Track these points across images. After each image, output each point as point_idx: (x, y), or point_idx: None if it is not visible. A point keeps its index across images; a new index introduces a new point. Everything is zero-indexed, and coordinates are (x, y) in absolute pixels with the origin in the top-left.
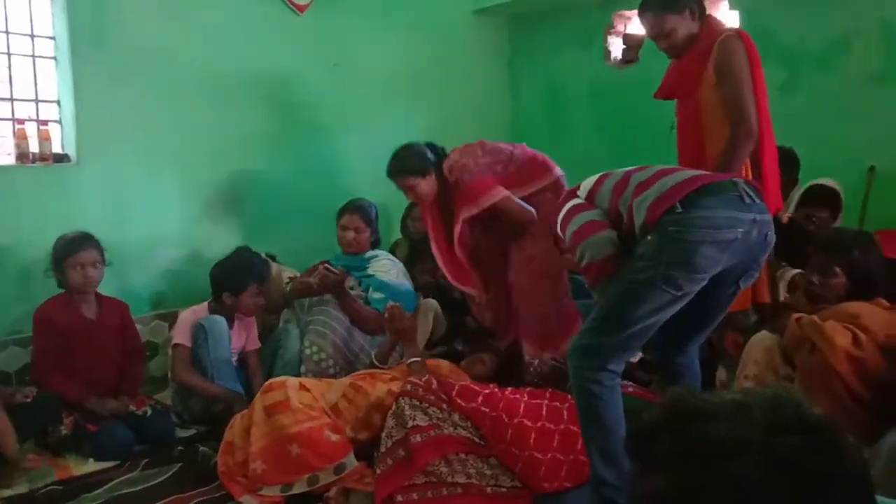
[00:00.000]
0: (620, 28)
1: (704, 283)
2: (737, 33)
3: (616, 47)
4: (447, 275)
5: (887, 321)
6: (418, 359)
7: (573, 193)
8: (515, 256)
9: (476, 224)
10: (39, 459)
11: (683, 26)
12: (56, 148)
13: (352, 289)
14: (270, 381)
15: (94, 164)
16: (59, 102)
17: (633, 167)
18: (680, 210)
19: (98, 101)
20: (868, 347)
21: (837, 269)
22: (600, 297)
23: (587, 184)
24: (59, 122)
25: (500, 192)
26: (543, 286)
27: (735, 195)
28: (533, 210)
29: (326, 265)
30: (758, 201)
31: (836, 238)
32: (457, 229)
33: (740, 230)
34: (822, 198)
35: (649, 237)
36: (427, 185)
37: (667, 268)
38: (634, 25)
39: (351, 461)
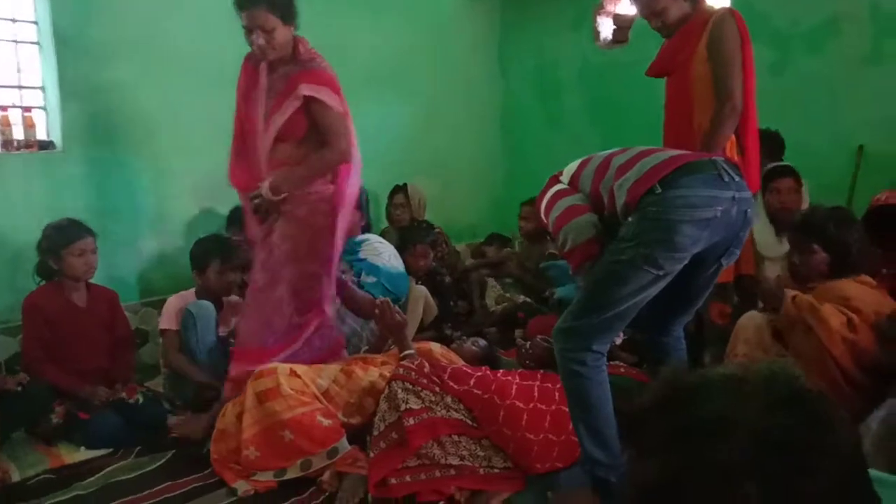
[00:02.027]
0: (610, 9)
1: (685, 261)
2: (731, 13)
3: (606, 28)
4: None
5: (877, 300)
6: (412, 351)
7: (556, 179)
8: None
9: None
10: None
11: (676, 6)
12: (41, 135)
13: (343, 273)
14: (261, 368)
15: (79, 151)
16: (43, 89)
17: (615, 150)
18: (659, 191)
19: (83, 87)
20: (862, 330)
21: (815, 247)
22: (584, 280)
23: (570, 169)
24: (44, 108)
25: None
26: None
27: (714, 174)
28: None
29: None
30: (737, 179)
31: (810, 216)
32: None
33: (720, 208)
34: (782, 170)
35: (630, 219)
36: (283, 37)
37: (647, 247)
38: (624, 6)
39: (343, 445)
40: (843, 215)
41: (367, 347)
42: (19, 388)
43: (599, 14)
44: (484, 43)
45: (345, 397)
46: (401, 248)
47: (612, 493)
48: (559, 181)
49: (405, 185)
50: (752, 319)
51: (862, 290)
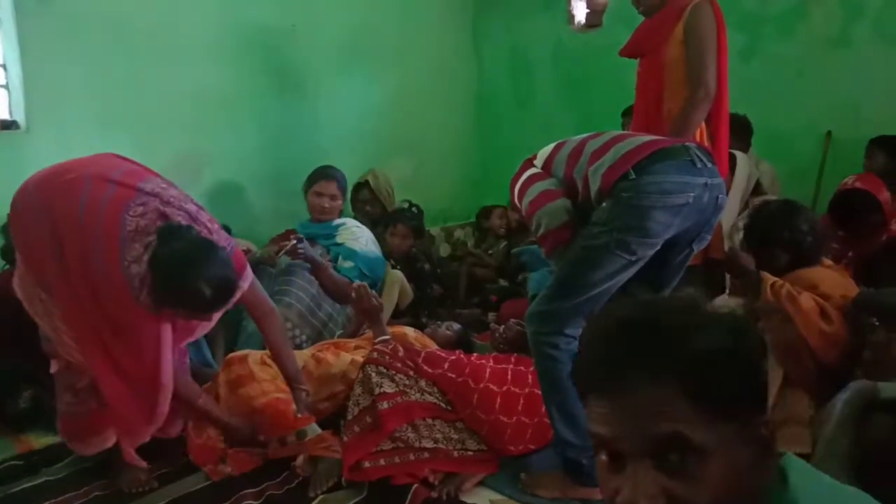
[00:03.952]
0: None
1: (658, 247)
2: (709, 1)
3: (580, 11)
4: None
5: (842, 284)
6: (387, 337)
7: (530, 163)
8: None
9: None
10: None
11: None
12: (3, 114)
13: (321, 256)
14: (231, 356)
15: (44, 131)
16: (4, 66)
17: (588, 135)
18: (633, 177)
19: (46, 63)
20: (836, 318)
21: (769, 246)
22: (556, 265)
23: (543, 153)
24: (6, 87)
25: None
26: None
27: (687, 160)
28: None
29: (294, 235)
30: (709, 165)
31: (758, 216)
32: None
33: (692, 194)
34: None
35: (604, 204)
36: None
37: (620, 233)
38: None
39: (314, 429)
40: (791, 209)
41: (341, 332)
42: None
43: None
44: (457, 23)
45: (314, 385)
46: (382, 225)
47: (584, 474)
48: (533, 165)
49: (366, 181)
50: (725, 304)
51: (828, 275)
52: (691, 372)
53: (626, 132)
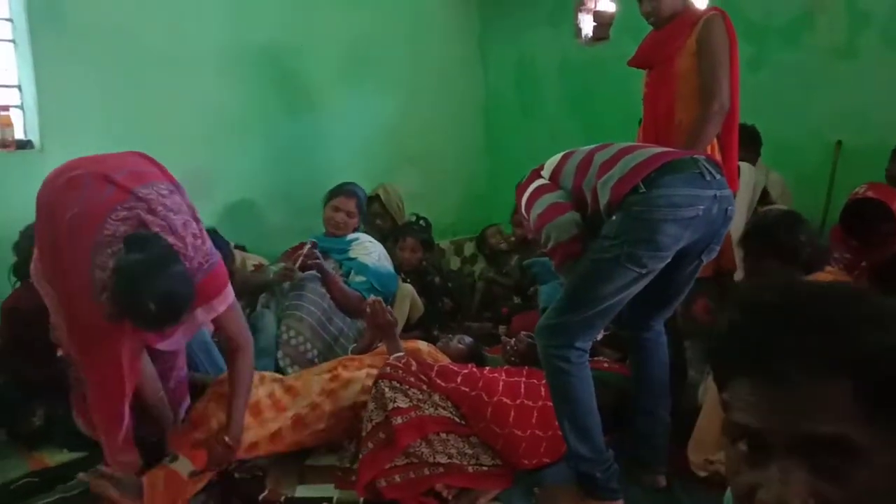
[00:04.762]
0: (591, 5)
1: (668, 260)
2: (721, 14)
3: (587, 24)
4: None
5: None
6: (401, 353)
7: (537, 174)
8: None
9: None
10: None
11: None
12: (18, 134)
13: (333, 271)
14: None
15: (58, 150)
16: (19, 87)
17: (596, 146)
18: (643, 190)
19: (60, 84)
20: None
21: (766, 253)
22: (566, 278)
23: (551, 163)
24: (21, 107)
25: None
26: None
27: (696, 172)
28: None
29: (311, 242)
30: (718, 177)
31: (759, 223)
32: None
33: (701, 207)
34: None
35: (614, 217)
36: None
37: (630, 246)
38: (604, 3)
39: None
40: (791, 219)
41: (353, 346)
42: None
43: (580, 11)
44: (463, 37)
45: (326, 420)
46: (391, 239)
47: (598, 488)
48: (540, 176)
49: (377, 194)
50: None
51: (831, 279)
52: (868, 370)
53: (634, 144)
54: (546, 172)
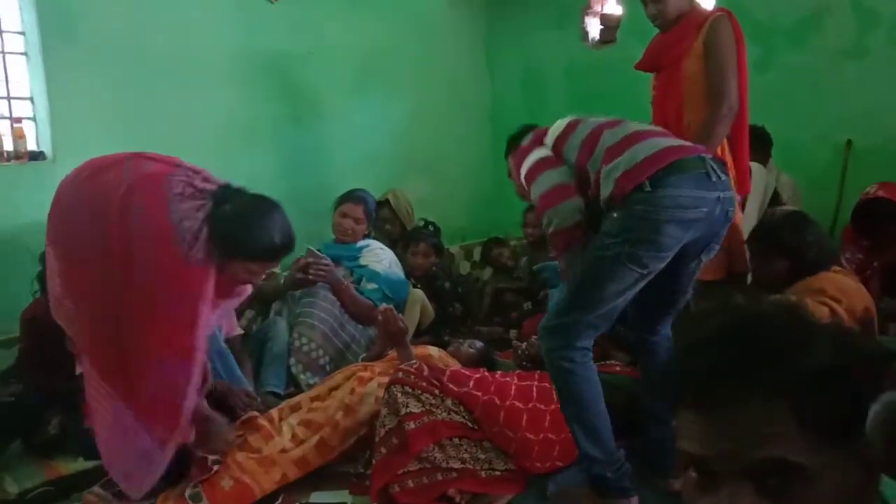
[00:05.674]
0: (597, 8)
1: (668, 260)
2: (727, 14)
3: (594, 28)
4: None
5: (853, 288)
6: (414, 361)
7: (540, 140)
8: None
9: None
10: None
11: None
12: (31, 146)
13: (344, 278)
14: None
15: (70, 161)
16: (32, 99)
17: (605, 121)
18: (648, 188)
19: (72, 96)
20: (845, 320)
21: (773, 253)
22: (567, 266)
23: (555, 130)
24: (34, 119)
25: None
26: None
27: (702, 172)
28: None
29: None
30: (723, 177)
31: (765, 224)
32: None
33: (705, 209)
34: None
35: (615, 214)
36: None
37: (632, 246)
38: (611, 6)
39: None
40: (798, 219)
41: (365, 354)
42: (12, 399)
43: (587, 14)
44: (470, 43)
45: (340, 435)
46: (402, 245)
47: (610, 489)
48: (543, 143)
49: (386, 199)
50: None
51: (835, 280)
52: (803, 392)
53: (643, 129)
54: (549, 139)
